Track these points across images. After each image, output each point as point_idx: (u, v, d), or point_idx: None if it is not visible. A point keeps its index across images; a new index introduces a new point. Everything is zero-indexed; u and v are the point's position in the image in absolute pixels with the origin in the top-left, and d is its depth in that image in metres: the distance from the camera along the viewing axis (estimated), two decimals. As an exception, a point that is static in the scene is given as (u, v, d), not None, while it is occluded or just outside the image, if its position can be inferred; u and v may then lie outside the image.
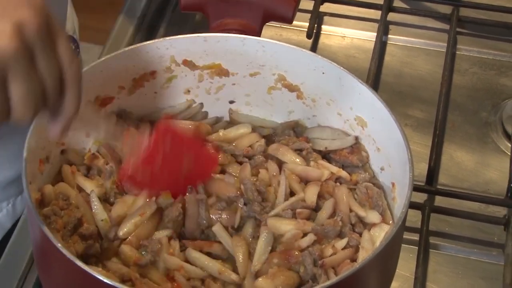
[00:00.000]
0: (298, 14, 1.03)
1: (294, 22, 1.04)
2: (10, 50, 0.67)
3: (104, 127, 0.82)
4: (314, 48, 1.20)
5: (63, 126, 0.74)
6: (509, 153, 1.05)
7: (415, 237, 0.98)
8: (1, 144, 1.04)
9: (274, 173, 0.91)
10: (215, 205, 0.87)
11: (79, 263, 0.73)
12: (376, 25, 1.20)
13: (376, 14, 1.21)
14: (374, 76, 1.13)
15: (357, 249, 0.85)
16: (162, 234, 0.84)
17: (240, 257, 0.84)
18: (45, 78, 0.70)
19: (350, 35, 1.23)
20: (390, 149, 0.88)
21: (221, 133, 0.97)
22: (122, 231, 0.84)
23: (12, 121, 0.71)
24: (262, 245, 0.85)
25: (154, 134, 0.84)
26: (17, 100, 0.69)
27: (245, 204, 0.87)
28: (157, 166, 0.85)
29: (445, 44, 1.17)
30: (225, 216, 0.86)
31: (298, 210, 0.88)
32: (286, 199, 0.89)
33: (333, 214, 0.88)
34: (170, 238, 0.84)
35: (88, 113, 0.80)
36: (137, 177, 0.85)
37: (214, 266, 0.83)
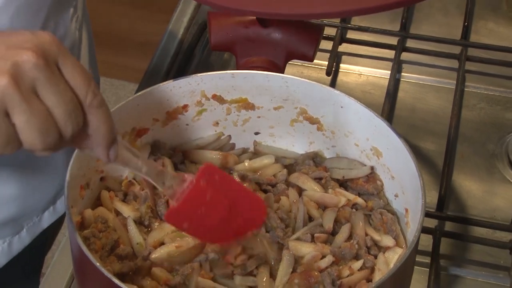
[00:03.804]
0: (318, 53, 1.04)
1: (315, 61, 1.05)
2: (1, 85, 0.67)
3: (145, 167, 0.79)
4: (333, 84, 1.21)
5: (104, 150, 0.74)
6: (515, 183, 1.05)
7: (427, 260, 0.98)
8: None
9: (295, 200, 0.92)
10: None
11: (116, 281, 0.74)
12: (390, 63, 1.21)
13: (390, 53, 1.22)
14: (389, 111, 1.13)
15: (372, 270, 0.85)
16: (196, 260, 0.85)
17: (263, 278, 0.84)
18: (54, 110, 0.70)
19: (366, 72, 1.24)
20: (403, 178, 0.88)
21: (246, 163, 0.97)
22: (155, 255, 0.85)
23: (26, 149, 0.71)
24: (284, 267, 0.85)
25: (197, 176, 0.79)
26: (19, 130, 0.69)
27: (267, 231, 0.88)
28: (202, 212, 0.80)
29: (454, 82, 1.18)
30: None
31: (316, 235, 0.88)
32: (304, 224, 0.89)
33: (349, 238, 0.88)
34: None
35: (126, 154, 0.78)
36: (180, 221, 0.81)
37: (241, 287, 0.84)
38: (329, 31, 1.22)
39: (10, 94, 0.67)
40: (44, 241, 1.15)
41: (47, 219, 1.13)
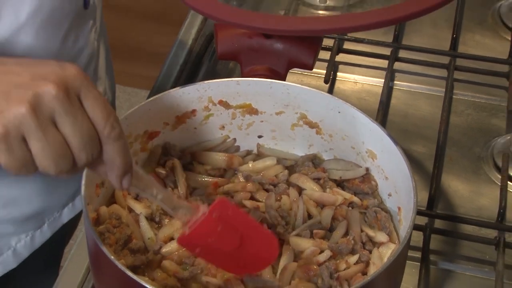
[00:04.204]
0: (317, 63, 1.03)
1: (314, 70, 1.04)
2: (20, 113, 0.67)
3: (160, 194, 0.79)
4: (330, 91, 1.20)
5: (117, 179, 0.73)
6: (499, 184, 1.04)
7: (418, 255, 0.97)
8: (19, 184, 1.02)
9: (295, 199, 0.91)
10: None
11: (129, 273, 0.73)
12: (383, 72, 1.20)
13: (383, 63, 1.21)
14: (382, 116, 1.12)
15: (367, 264, 0.85)
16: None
17: (266, 271, 0.83)
18: (69, 139, 0.69)
19: (361, 81, 1.23)
20: (396, 178, 0.87)
21: (250, 164, 0.96)
22: (165, 249, 0.84)
23: (41, 172, 0.71)
24: (285, 261, 0.84)
25: (210, 208, 0.78)
26: (34, 155, 0.69)
27: (269, 227, 0.87)
28: (212, 240, 0.78)
29: (444, 89, 1.17)
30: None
31: (315, 231, 0.87)
32: (304, 221, 0.89)
33: (346, 234, 0.88)
34: None
35: (142, 182, 0.78)
36: (191, 246, 0.80)
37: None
38: (327, 42, 1.21)
39: (27, 122, 0.67)
40: (63, 235, 1.15)
41: (66, 214, 1.13)
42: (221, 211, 0.78)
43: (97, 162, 0.72)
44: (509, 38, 1.26)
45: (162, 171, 0.92)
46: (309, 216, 0.90)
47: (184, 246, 0.81)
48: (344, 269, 0.84)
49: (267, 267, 0.83)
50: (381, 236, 0.87)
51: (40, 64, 0.71)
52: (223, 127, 0.97)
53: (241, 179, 0.93)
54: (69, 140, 0.69)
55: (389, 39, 1.25)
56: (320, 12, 1.34)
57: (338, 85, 1.21)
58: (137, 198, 0.90)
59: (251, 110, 0.95)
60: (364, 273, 0.84)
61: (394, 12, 0.95)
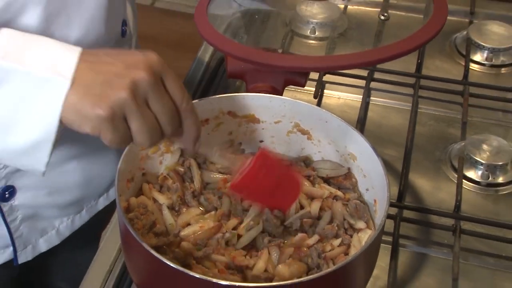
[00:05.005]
0: (308, 81, 1.03)
1: (305, 87, 1.04)
2: (123, 97, 0.68)
3: (217, 154, 0.82)
4: (319, 104, 1.18)
5: (192, 143, 0.75)
6: (456, 181, 1.03)
7: (390, 239, 0.96)
8: (62, 177, 1.02)
9: (289, 192, 0.90)
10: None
11: (153, 252, 0.73)
12: (362, 90, 1.19)
13: (362, 82, 1.20)
14: (361, 126, 1.12)
15: (349, 247, 0.84)
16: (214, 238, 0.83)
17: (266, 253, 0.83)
18: (159, 116, 0.70)
19: (343, 97, 1.22)
20: (373, 176, 0.87)
21: (253, 164, 0.96)
22: (183, 233, 0.84)
23: (136, 145, 0.73)
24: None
25: (256, 158, 0.80)
26: (134, 132, 0.70)
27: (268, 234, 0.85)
28: (257, 184, 0.81)
29: (411, 104, 1.16)
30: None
31: (304, 220, 0.86)
32: (296, 211, 0.88)
33: (331, 222, 0.87)
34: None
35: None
36: (241, 190, 0.82)
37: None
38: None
39: (129, 104, 0.68)
40: (100, 220, 1.14)
41: (102, 203, 1.13)
42: (263, 161, 0.80)
43: (176, 133, 0.73)
44: (463, 64, 1.25)
45: (181, 168, 0.91)
46: (301, 207, 0.89)
47: (235, 191, 0.83)
48: (330, 251, 0.83)
49: (294, 203, 0.85)
50: (360, 224, 0.86)
51: (128, 55, 0.72)
52: (231, 133, 0.96)
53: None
54: (159, 117, 0.70)
55: (367, 63, 1.24)
56: (311, 41, 1.33)
57: (325, 100, 1.20)
58: (160, 190, 0.90)
59: (254, 120, 0.94)
60: (346, 254, 0.83)
61: (368, 56, 0.96)
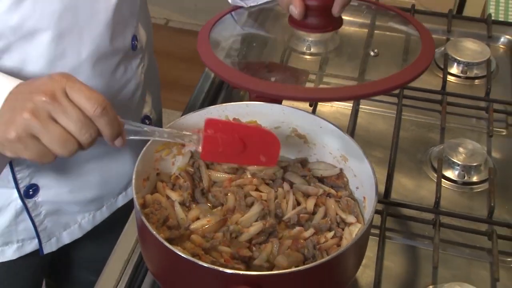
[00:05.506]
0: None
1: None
2: (25, 118, 0.67)
3: (165, 133, 0.78)
4: (314, 112, 1.16)
5: (110, 142, 0.72)
6: (435, 180, 1.02)
7: (377, 231, 0.95)
8: (82, 177, 1.00)
9: (287, 190, 0.89)
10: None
11: (166, 244, 0.72)
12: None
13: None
14: (352, 130, 1.11)
15: (341, 239, 0.83)
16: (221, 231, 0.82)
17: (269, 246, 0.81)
18: (67, 127, 0.68)
19: (336, 105, 1.20)
20: (362, 176, 0.85)
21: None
22: (193, 226, 0.82)
23: (58, 156, 0.70)
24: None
25: (204, 126, 0.78)
26: (47, 145, 0.68)
27: (268, 213, 0.85)
28: (222, 149, 0.78)
29: (395, 112, 1.14)
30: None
31: (301, 215, 0.85)
32: (293, 207, 0.86)
33: (325, 216, 0.86)
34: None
35: (143, 132, 0.76)
36: (210, 157, 0.80)
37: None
38: (312, 77, 1.20)
39: (32, 123, 0.67)
40: (120, 216, 1.13)
41: (120, 200, 1.11)
42: (212, 127, 0.78)
43: (97, 136, 0.70)
44: (441, 76, 1.23)
45: (191, 169, 0.90)
46: (298, 203, 0.88)
47: (206, 159, 0.81)
48: (324, 242, 0.82)
49: (277, 157, 0.82)
50: (351, 218, 0.85)
51: (36, 81, 0.70)
52: (236, 137, 0.94)
53: (249, 176, 0.91)
54: (68, 128, 0.68)
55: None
56: (306, 56, 1.31)
57: (319, 108, 1.18)
58: (173, 188, 0.88)
59: (256, 125, 0.92)
60: (339, 245, 0.82)
61: (356, 91, 0.89)
